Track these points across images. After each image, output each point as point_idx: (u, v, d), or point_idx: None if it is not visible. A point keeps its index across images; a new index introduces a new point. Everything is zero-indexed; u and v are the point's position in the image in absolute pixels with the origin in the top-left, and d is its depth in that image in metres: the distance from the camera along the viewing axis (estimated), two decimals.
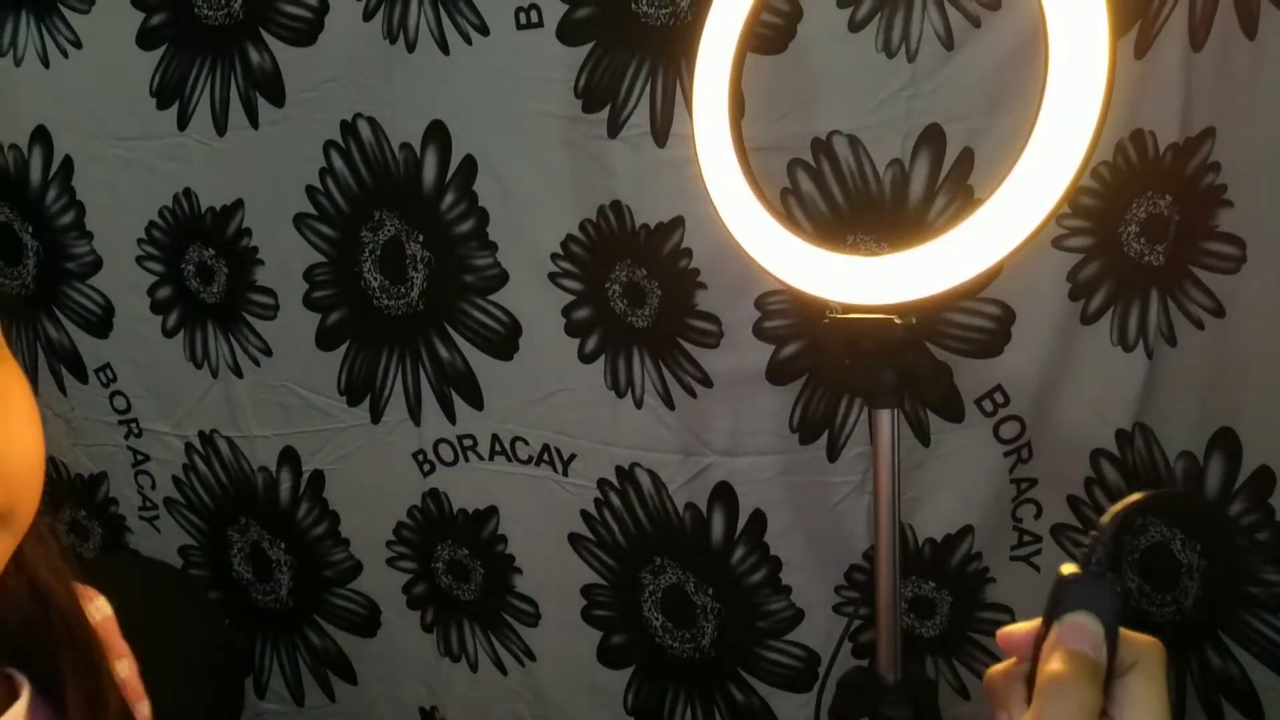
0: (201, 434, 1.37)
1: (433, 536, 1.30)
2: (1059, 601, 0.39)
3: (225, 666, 1.35)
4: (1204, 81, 0.90)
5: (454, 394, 1.23)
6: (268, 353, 1.30)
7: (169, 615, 1.31)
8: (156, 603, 1.32)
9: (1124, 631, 0.39)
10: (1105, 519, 0.40)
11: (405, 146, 1.16)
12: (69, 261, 1.36)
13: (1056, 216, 0.68)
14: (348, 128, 1.18)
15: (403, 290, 1.22)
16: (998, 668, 0.41)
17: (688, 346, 1.09)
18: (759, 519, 1.12)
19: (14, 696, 0.47)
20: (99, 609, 0.55)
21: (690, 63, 0.83)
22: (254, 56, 1.19)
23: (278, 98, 1.19)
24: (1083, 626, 0.38)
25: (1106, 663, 0.37)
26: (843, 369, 0.76)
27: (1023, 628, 0.40)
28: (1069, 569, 0.39)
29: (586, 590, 1.23)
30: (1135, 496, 0.40)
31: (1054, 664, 0.37)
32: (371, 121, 1.17)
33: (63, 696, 0.48)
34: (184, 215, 1.29)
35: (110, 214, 1.33)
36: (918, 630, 1.10)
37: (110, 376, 1.39)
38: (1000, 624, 1.08)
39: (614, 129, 1.06)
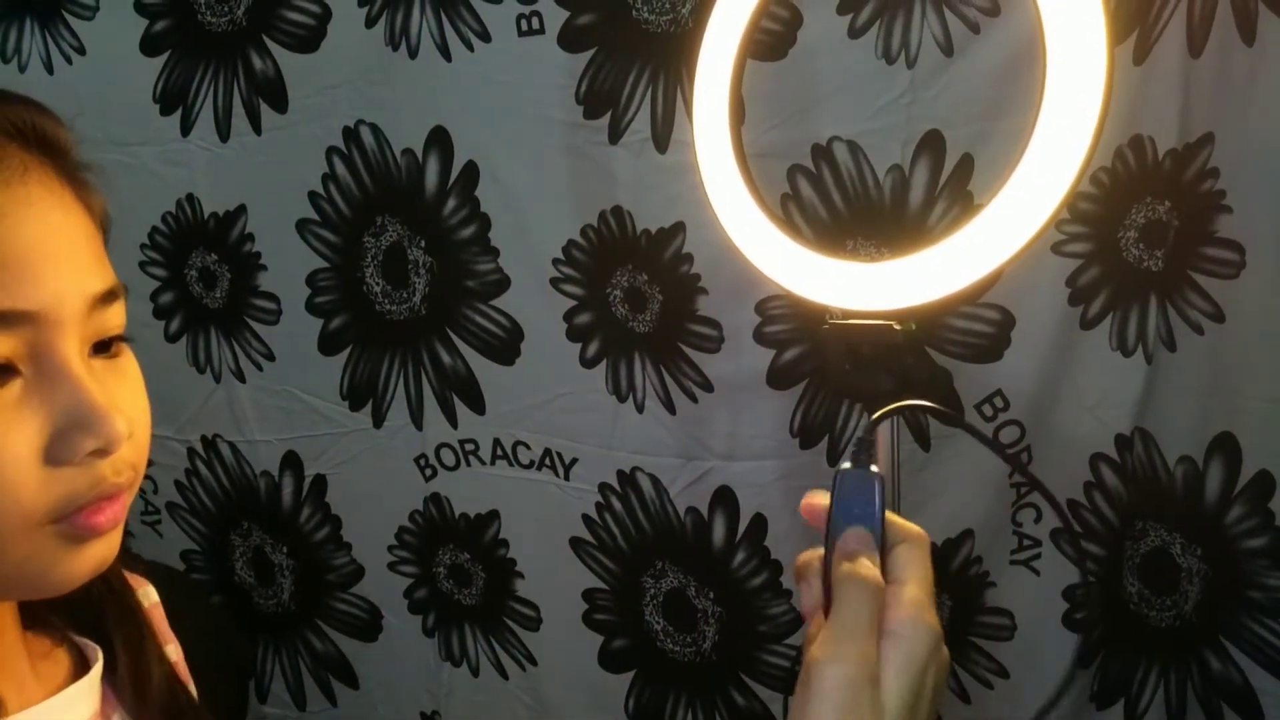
0: (204, 438, 1.38)
1: (434, 541, 1.31)
2: (840, 488, 0.51)
3: (229, 670, 1.35)
4: (1202, 87, 0.91)
5: (456, 398, 1.24)
6: (270, 358, 1.31)
7: (173, 619, 1.31)
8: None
9: (893, 519, 0.50)
10: (872, 419, 0.53)
11: (407, 152, 1.17)
12: None
13: (1056, 222, 0.68)
14: (350, 133, 1.18)
15: (405, 295, 1.23)
16: (807, 553, 0.53)
17: (689, 351, 1.10)
18: (760, 523, 1.12)
19: (86, 665, 0.51)
20: (147, 595, 0.57)
21: (691, 69, 0.84)
22: (257, 62, 1.20)
23: (280, 104, 1.20)
24: (855, 533, 0.49)
25: (880, 543, 0.49)
26: (843, 374, 0.76)
27: (819, 503, 0.52)
28: (845, 465, 0.52)
29: (588, 594, 1.23)
30: (901, 404, 0.55)
31: (841, 564, 0.47)
32: (374, 127, 1.17)
33: (114, 667, 0.52)
34: (186, 221, 1.29)
35: (113, 219, 1.33)
36: None
37: None
38: (1000, 627, 1.08)
39: (615, 135, 1.06)
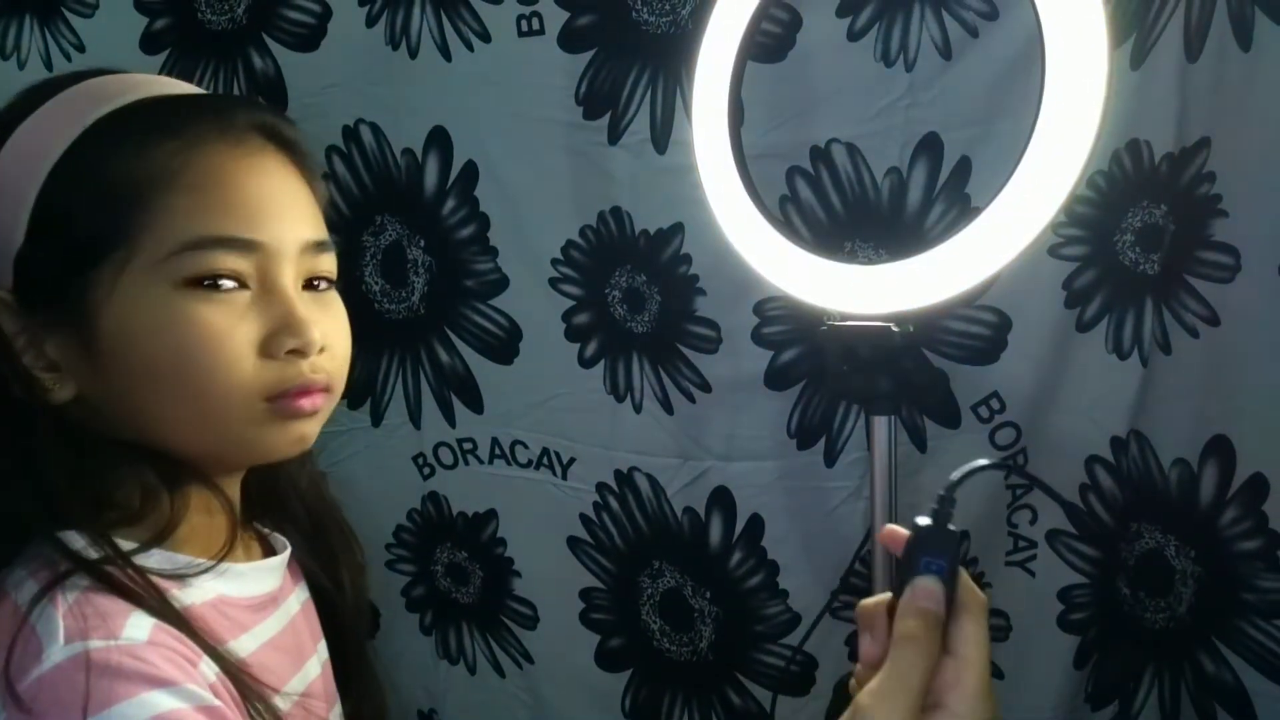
0: None
1: (432, 539, 1.31)
2: (916, 540, 0.51)
3: None
4: (1199, 92, 0.91)
5: (454, 398, 1.24)
6: None
7: None
8: None
9: (965, 579, 0.50)
10: (952, 480, 0.53)
11: (407, 152, 1.17)
12: None
13: (1053, 225, 0.68)
14: (350, 133, 1.19)
15: (404, 294, 1.23)
16: (870, 600, 0.53)
17: (687, 352, 1.10)
18: (756, 523, 1.12)
19: (272, 553, 0.67)
20: None
21: (690, 70, 0.84)
22: (257, 61, 1.20)
23: (280, 102, 1.20)
24: (929, 588, 0.49)
25: (947, 604, 0.49)
26: (840, 376, 0.77)
27: (901, 535, 0.53)
28: (923, 521, 0.52)
29: (585, 593, 1.23)
30: (979, 463, 0.55)
31: (909, 620, 0.48)
32: (374, 127, 1.18)
33: (336, 573, 0.72)
34: None
35: None
36: None
37: None
38: (995, 628, 1.08)
39: (614, 136, 1.06)
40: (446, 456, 1.27)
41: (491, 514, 1.26)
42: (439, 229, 1.18)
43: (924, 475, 1.05)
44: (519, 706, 1.31)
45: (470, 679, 1.34)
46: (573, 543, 1.22)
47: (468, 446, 1.25)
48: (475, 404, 1.23)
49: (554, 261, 1.14)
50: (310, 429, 0.60)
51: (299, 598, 0.69)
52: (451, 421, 1.25)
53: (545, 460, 1.21)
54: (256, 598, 0.62)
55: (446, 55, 1.11)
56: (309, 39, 1.17)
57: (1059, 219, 0.93)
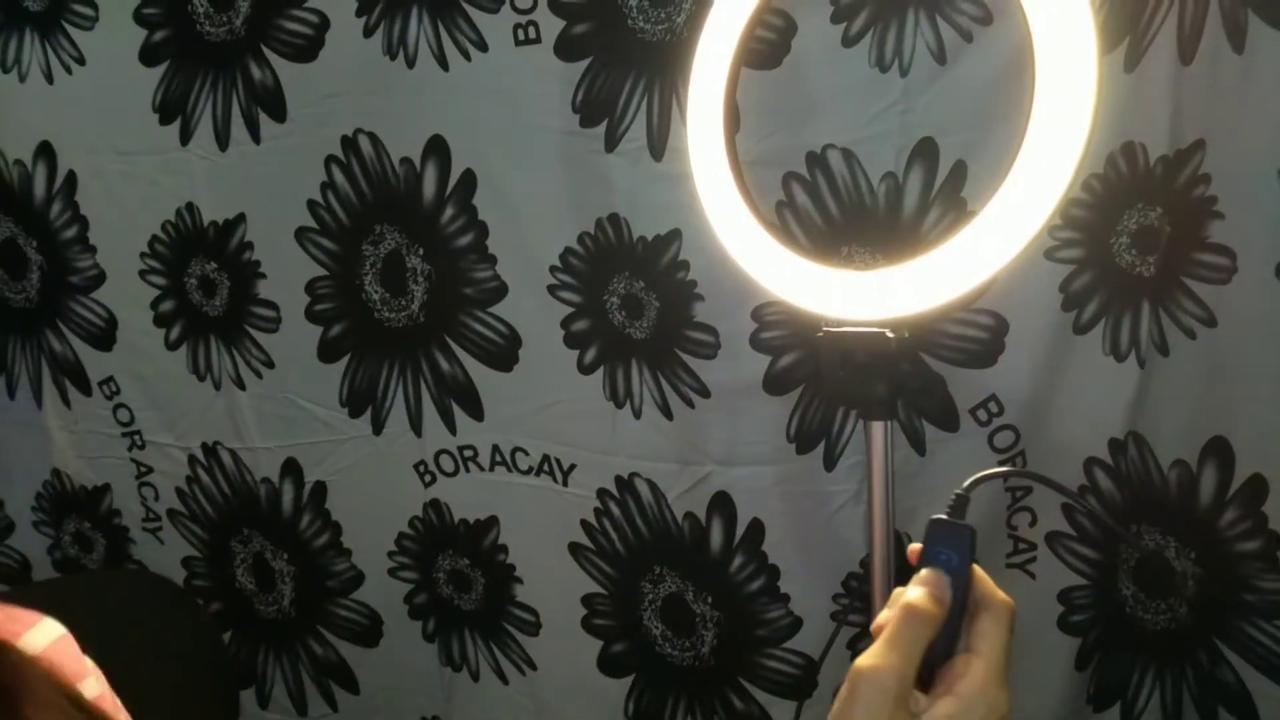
0: (204, 445, 1.38)
1: (434, 547, 1.31)
2: (932, 535, 0.53)
3: (219, 682, 1.34)
4: (1193, 94, 0.91)
5: (454, 405, 1.24)
6: (270, 365, 1.31)
7: (162, 631, 1.30)
8: (150, 618, 1.31)
9: (982, 578, 0.52)
10: (970, 481, 0.55)
11: (405, 161, 1.17)
12: (73, 275, 1.38)
13: (1049, 228, 0.69)
14: (348, 143, 1.19)
15: (403, 303, 1.23)
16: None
17: (685, 357, 1.10)
18: (757, 528, 1.12)
19: None
20: (43, 635, 0.52)
21: (686, 78, 0.84)
22: (256, 72, 1.20)
23: (279, 113, 1.20)
24: (933, 576, 0.51)
25: (953, 595, 0.50)
26: (838, 381, 0.77)
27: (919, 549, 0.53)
28: (940, 516, 0.53)
29: (587, 599, 1.24)
30: (998, 470, 0.55)
31: (911, 595, 0.50)
32: (372, 136, 1.18)
33: None
34: (186, 229, 1.30)
35: (113, 228, 1.34)
36: None
37: (114, 389, 1.40)
38: None
39: (611, 143, 1.07)
40: (448, 464, 1.27)
41: (493, 521, 1.27)
42: (438, 237, 1.19)
43: (923, 478, 1.05)
44: (522, 713, 1.31)
45: (473, 686, 1.34)
46: (574, 549, 1.22)
47: (469, 454, 1.25)
48: (476, 411, 1.23)
49: (552, 269, 1.14)
50: None
51: None
52: (452, 429, 1.25)
53: (546, 467, 1.21)
54: None
55: (444, 65, 1.12)
56: (307, 49, 1.17)
57: (1055, 222, 0.94)
